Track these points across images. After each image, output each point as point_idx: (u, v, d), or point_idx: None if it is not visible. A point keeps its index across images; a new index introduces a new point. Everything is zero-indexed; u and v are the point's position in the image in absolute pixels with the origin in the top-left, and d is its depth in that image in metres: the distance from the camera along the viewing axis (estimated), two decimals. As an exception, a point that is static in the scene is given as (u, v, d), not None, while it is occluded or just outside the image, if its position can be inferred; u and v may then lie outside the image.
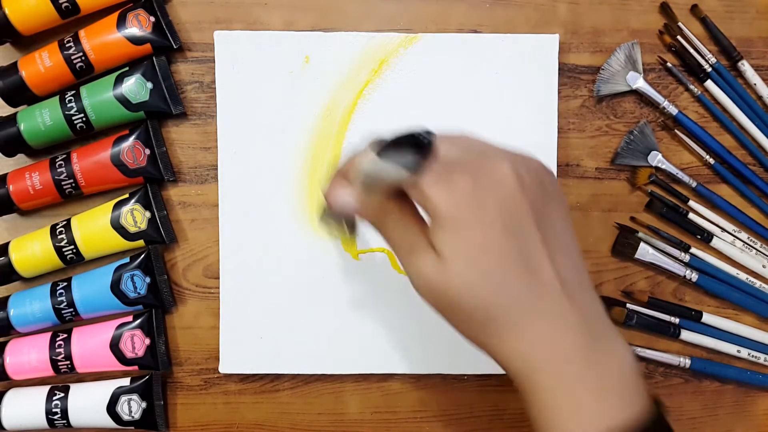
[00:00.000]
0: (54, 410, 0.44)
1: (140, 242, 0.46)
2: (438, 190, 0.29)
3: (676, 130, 0.48)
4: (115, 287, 0.45)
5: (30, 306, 0.45)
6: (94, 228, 0.45)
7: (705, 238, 0.48)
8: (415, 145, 0.30)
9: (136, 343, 0.45)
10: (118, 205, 0.46)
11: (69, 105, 0.45)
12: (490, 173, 0.29)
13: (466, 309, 0.30)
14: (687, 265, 0.47)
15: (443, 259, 0.30)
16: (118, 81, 0.45)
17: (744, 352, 0.48)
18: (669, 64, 0.47)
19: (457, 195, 0.29)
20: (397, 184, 0.30)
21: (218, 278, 0.46)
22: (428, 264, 0.30)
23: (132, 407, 0.45)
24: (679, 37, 0.47)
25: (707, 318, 0.48)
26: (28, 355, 0.45)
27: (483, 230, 0.29)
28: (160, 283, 0.46)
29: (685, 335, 0.47)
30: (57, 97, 0.45)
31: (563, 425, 0.29)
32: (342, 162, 0.33)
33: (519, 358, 0.30)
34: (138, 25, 0.45)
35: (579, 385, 0.29)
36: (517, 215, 0.29)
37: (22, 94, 0.45)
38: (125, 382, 0.45)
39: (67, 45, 0.45)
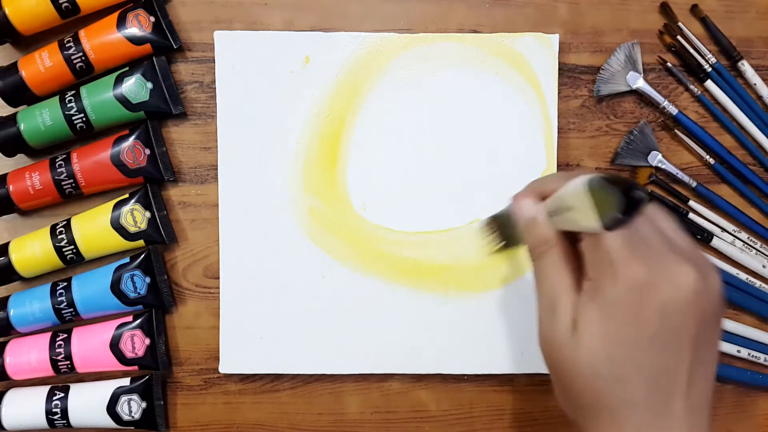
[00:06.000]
0: (54, 410, 0.44)
1: (140, 242, 0.46)
2: (618, 264, 0.27)
3: (676, 130, 0.48)
4: (115, 287, 0.45)
5: (30, 306, 0.45)
6: (94, 228, 0.45)
7: (705, 238, 0.48)
8: (626, 198, 0.26)
9: (136, 343, 0.45)
10: (118, 205, 0.46)
11: (69, 105, 0.45)
12: (671, 274, 0.27)
13: (583, 390, 0.29)
14: (687, 265, 0.47)
15: (580, 331, 0.28)
16: (118, 81, 0.45)
17: (744, 352, 0.48)
18: (669, 64, 0.47)
19: (629, 281, 0.27)
20: (586, 229, 0.28)
21: (218, 278, 0.46)
22: (563, 329, 0.29)
23: (132, 407, 0.45)
24: (679, 37, 0.47)
25: (707, 318, 0.48)
26: (28, 355, 0.45)
27: (634, 329, 0.27)
28: (160, 283, 0.46)
29: (685, 335, 0.47)
30: (57, 97, 0.45)
31: None
32: (546, 177, 0.32)
33: None
34: (138, 25, 0.45)
35: None
36: (677, 330, 0.28)
37: (22, 94, 0.45)
38: (125, 382, 0.45)
39: (67, 45, 0.45)
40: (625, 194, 0.26)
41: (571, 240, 0.31)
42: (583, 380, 0.29)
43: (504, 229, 0.35)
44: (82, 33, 0.45)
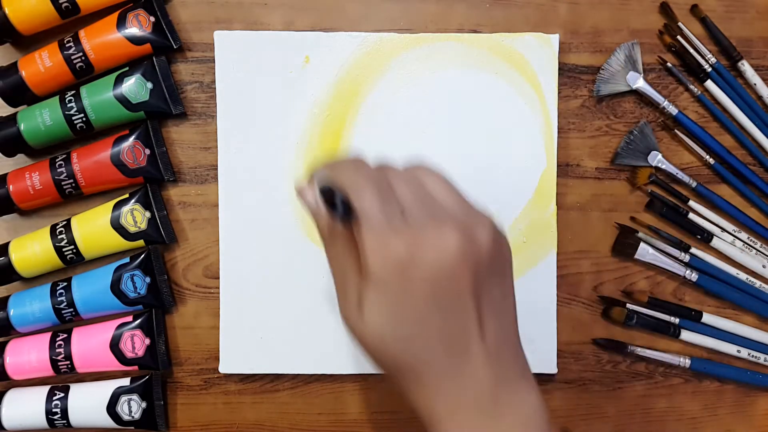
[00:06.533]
0: (54, 410, 0.44)
1: (140, 242, 0.46)
2: (372, 245, 0.29)
3: (676, 130, 0.48)
4: (115, 287, 0.45)
5: (30, 306, 0.45)
6: (94, 228, 0.45)
7: (705, 238, 0.48)
8: (336, 202, 0.30)
9: (136, 343, 0.45)
10: (118, 205, 0.46)
11: (69, 105, 0.45)
12: (432, 241, 0.29)
13: (382, 359, 0.31)
14: (687, 265, 0.47)
15: (364, 310, 0.30)
16: (118, 81, 0.45)
17: (744, 352, 0.48)
18: (669, 64, 0.47)
19: (388, 258, 0.29)
20: (335, 221, 0.31)
21: (218, 278, 0.46)
22: (352, 308, 0.31)
23: (132, 407, 0.45)
24: (679, 37, 0.47)
25: (707, 318, 0.48)
26: (28, 355, 0.45)
27: (405, 299, 0.29)
28: (160, 283, 0.46)
29: (685, 335, 0.47)
30: (57, 97, 0.45)
31: None
32: (317, 168, 0.33)
33: (426, 409, 0.30)
34: (138, 25, 0.45)
35: None
36: (450, 288, 0.29)
37: (22, 94, 0.45)
38: (125, 382, 0.45)
39: (67, 45, 0.45)
40: (337, 199, 0.30)
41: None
42: (379, 351, 0.30)
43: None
44: (82, 33, 0.45)
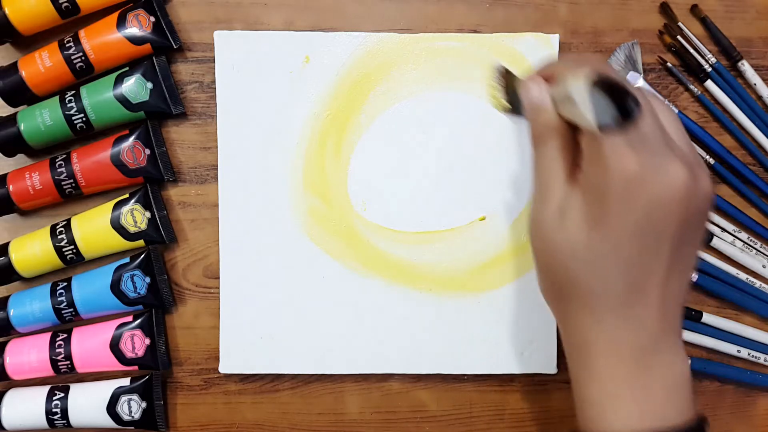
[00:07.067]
0: (54, 410, 0.44)
1: (140, 242, 0.46)
2: (609, 154, 0.28)
3: (676, 130, 0.48)
4: (115, 287, 0.45)
5: (30, 306, 0.45)
6: (94, 228, 0.45)
7: (705, 238, 0.48)
8: (621, 103, 0.27)
9: (136, 343, 0.45)
10: (118, 205, 0.46)
11: (69, 105, 0.45)
12: (661, 171, 0.28)
13: (562, 273, 0.30)
14: (687, 265, 0.47)
15: (566, 216, 0.29)
16: (118, 81, 0.45)
17: (744, 352, 0.48)
18: (669, 64, 0.47)
19: (618, 171, 0.28)
20: (583, 124, 0.29)
21: (218, 278, 0.46)
22: (550, 213, 0.30)
23: (132, 407, 0.45)
24: (679, 37, 0.47)
25: (707, 318, 0.48)
26: (28, 355, 0.45)
27: (615, 218, 0.28)
28: (160, 283, 0.46)
29: (685, 335, 0.47)
30: (57, 97, 0.45)
31: (602, 416, 0.30)
32: (556, 63, 0.32)
33: (582, 337, 0.30)
34: (138, 25, 0.45)
35: (625, 384, 0.30)
36: (659, 225, 0.28)
37: (22, 94, 0.45)
38: (125, 382, 0.45)
39: (67, 45, 0.45)
40: (619, 102, 0.27)
41: (573, 129, 0.31)
42: (563, 264, 0.30)
43: (510, 92, 0.35)
44: (82, 33, 0.45)
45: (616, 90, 0.27)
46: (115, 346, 0.45)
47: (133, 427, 0.46)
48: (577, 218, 0.29)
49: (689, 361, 0.31)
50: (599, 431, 0.30)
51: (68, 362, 0.45)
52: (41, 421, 0.44)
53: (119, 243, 0.46)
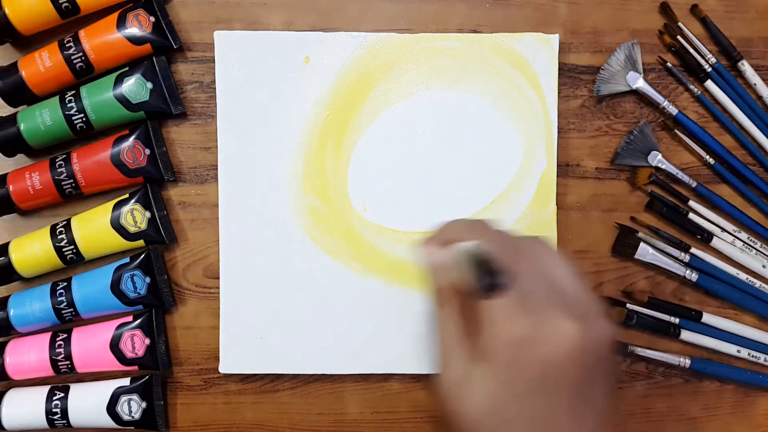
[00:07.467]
0: (54, 410, 0.44)
1: (140, 242, 0.46)
2: (501, 320, 0.29)
3: (676, 130, 0.48)
4: (115, 287, 0.45)
5: (30, 306, 0.45)
6: (94, 228, 0.45)
7: (705, 238, 0.48)
8: (491, 276, 0.30)
9: (136, 343, 0.45)
10: (118, 205, 0.46)
11: (69, 105, 0.45)
12: (551, 330, 0.29)
13: None
14: (687, 265, 0.47)
15: (468, 383, 0.30)
16: (118, 81, 0.45)
17: (744, 352, 0.48)
18: (669, 64, 0.47)
19: (512, 337, 0.29)
20: (472, 291, 0.30)
21: (218, 278, 0.46)
22: (454, 379, 0.31)
23: (132, 407, 0.45)
24: (679, 37, 0.47)
25: (707, 318, 0.48)
26: (28, 355, 0.45)
27: (514, 383, 0.29)
28: (160, 283, 0.46)
29: (685, 335, 0.47)
30: (57, 97, 0.45)
31: None
32: (454, 225, 0.33)
33: None
34: (138, 25, 0.45)
35: None
36: (557, 381, 0.29)
37: (22, 94, 0.45)
38: (125, 382, 0.45)
39: (67, 45, 0.45)
40: (490, 272, 0.30)
41: (472, 297, 0.32)
42: (466, 428, 0.30)
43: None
44: (82, 33, 0.45)
45: (488, 263, 0.30)
46: (115, 346, 0.45)
47: (133, 427, 0.46)
48: (480, 385, 0.30)
49: None
50: None
51: (68, 362, 0.45)
52: (41, 421, 0.44)
53: (119, 243, 0.46)
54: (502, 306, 0.29)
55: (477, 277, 0.30)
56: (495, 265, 0.30)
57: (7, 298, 0.46)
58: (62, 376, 0.46)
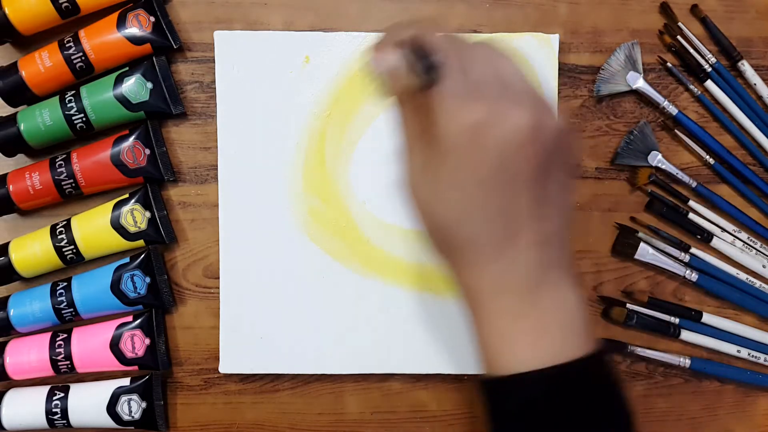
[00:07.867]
0: (54, 410, 0.44)
1: (140, 242, 0.46)
2: (450, 108, 0.29)
3: (676, 130, 0.48)
4: (115, 287, 0.45)
5: (30, 306, 0.45)
6: (94, 228, 0.45)
7: (705, 238, 0.48)
8: (427, 62, 0.30)
9: (136, 343, 0.45)
10: (118, 205, 0.46)
11: (69, 105, 0.45)
12: (507, 116, 0.28)
13: (429, 228, 0.31)
14: (687, 265, 0.47)
15: (426, 176, 0.30)
16: (118, 81, 0.45)
17: (744, 352, 0.48)
18: (669, 64, 0.47)
19: (464, 122, 0.28)
20: (419, 86, 0.30)
21: (218, 278, 0.46)
22: (414, 173, 0.31)
23: (132, 407, 0.45)
24: (679, 37, 0.47)
25: (707, 318, 0.48)
26: (28, 355, 0.45)
27: (471, 168, 0.29)
28: (160, 283, 0.46)
29: (685, 335, 0.47)
30: (57, 97, 0.45)
31: (499, 356, 0.31)
32: (399, 27, 0.33)
33: (470, 286, 0.31)
34: (138, 25, 0.45)
35: (515, 322, 0.30)
36: (514, 169, 0.29)
37: (22, 94, 0.45)
38: (125, 382, 0.45)
39: (67, 45, 0.45)
40: (425, 59, 0.29)
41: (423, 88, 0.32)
42: (431, 222, 0.31)
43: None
44: (82, 33, 0.45)
45: (424, 51, 0.30)
46: (115, 346, 0.45)
47: (133, 427, 0.46)
48: (436, 176, 0.30)
49: (580, 293, 0.32)
50: (498, 373, 0.31)
51: (68, 362, 0.45)
52: (41, 421, 0.44)
53: (119, 243, 0.46)
54: (454, 94, 0.29)
55: (417, 64, 0.30)
56: (433, 50, 0.29)
57: (7, 298, 0.46)
58: (62, 376, 0.46)
